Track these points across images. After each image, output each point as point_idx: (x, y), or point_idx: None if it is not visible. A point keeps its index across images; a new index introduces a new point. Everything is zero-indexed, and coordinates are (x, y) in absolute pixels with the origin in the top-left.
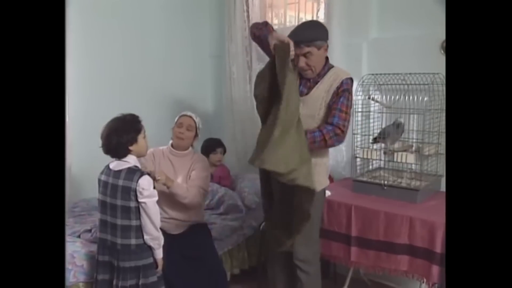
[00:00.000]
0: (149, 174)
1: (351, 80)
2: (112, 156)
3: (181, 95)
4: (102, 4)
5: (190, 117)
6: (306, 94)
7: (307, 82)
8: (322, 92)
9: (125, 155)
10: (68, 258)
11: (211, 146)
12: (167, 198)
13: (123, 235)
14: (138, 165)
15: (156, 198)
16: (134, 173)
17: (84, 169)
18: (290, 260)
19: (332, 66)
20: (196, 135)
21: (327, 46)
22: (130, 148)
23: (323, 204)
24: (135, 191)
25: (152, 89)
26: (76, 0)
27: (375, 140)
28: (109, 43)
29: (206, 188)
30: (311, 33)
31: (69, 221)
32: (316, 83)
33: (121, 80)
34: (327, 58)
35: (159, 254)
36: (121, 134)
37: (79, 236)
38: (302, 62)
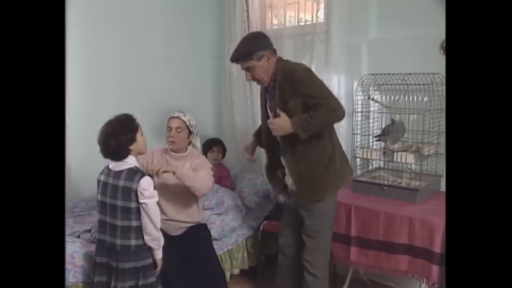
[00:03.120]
0: (149, 175)
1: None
2: (112, 159)
3: (181, 95)
4: (102, 4)
5: (178, 117)
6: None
7: (270, 93)
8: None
9: (126, 156)
10: (67, 258)
11: (208, 145)
12: (167, 200)
13: (123, 236)
14: (138, 165)
15: (157, 199)
16: (135, 173)
17: (84, 169)
18: (297, 267)
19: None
20: (190, 133)
21: (270, 53)
22: (130, 148)
23: (334, 211)
24: (136, 191)
25: (152, 89)
26: (76, 0)
27: (378, 138)
28: (109, 43)
29: (211, 176)
30: (245, 49)
31: (68, 221)
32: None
33: (121, 81)
34: (278, 62)
35: (159, 254)
36: (119, 136)
37: (78, 236)
38: (248, 76)
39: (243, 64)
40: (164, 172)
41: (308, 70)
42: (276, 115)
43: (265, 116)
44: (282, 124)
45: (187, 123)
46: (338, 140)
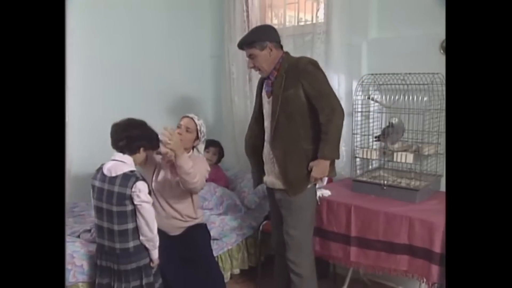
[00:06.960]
0: (144, 179)
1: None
2: (119, 149)
3: (181, 95)
4: (102, 4)
5: (191, 118)
6: (271, 92)
7: (269, 80)
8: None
9: (132, 152)
10: (67, 258)
11: (204, 145)
12: (162, 196)
13: (121, 240)
14: (134, 168)
15: (151, 201)
16: (129, 179)
17: (84, 169)
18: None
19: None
20: (197, 137)
21: (274, 45)
22: (141, 149)
23: (314, 206)
24: (131, 196)
25: (152, 89)
26: (77, 1)
27: (378, 138)
28: (109, 43)
29: (205, 175)
30: (250, 37)
31: (68, 221)
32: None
33: (121, 81)
34: (284, 55)
35: (154, 254)
36: (145, 131)
37: (78, 236)
38: (250, 63)
39: (247, 50)
40: (171, 149)
41: (313, 63)
42: (274, 100)
43: (258, 104)
44: (322, 169)
45: (198, 127)
46: None
